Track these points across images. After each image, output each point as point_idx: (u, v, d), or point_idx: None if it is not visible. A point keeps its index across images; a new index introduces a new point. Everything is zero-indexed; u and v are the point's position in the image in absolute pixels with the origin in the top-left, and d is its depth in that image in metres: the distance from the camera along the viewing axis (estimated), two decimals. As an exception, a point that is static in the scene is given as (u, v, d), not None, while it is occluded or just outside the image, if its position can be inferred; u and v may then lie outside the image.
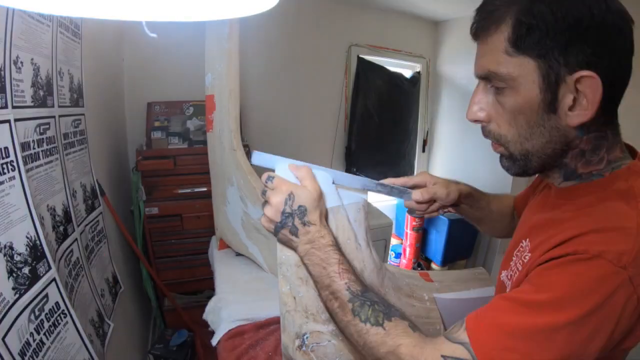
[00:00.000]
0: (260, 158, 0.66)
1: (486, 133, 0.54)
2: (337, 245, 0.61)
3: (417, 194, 0.76)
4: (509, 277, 0.58)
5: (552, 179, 0.56)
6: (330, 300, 0.58)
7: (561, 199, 0.54)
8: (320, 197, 0.63)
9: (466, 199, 0.82)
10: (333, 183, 0.69)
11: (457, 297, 0.86)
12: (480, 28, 0.49)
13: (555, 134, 0.48)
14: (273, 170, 0.66)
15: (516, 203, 0.85)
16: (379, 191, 0.74)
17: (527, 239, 0.55)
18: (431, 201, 0.78)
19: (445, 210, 0.85)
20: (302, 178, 0.63)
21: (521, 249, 0.56)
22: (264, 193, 0.63)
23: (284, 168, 0.65)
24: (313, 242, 0.60)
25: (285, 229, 0.61)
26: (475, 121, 0.54)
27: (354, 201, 0.70)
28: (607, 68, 0.43)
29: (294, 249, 0.63)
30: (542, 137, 0.48)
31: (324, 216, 0.64)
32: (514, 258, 0.58)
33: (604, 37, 0.42)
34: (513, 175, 0.57)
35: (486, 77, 0.50)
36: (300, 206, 0.60)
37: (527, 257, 0.53)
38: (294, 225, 0.60)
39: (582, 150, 0.50)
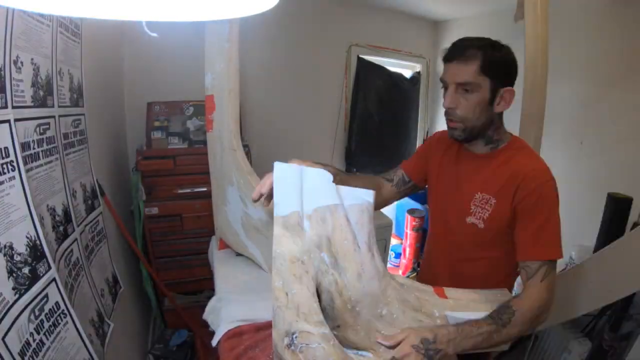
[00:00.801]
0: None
1: (451, 115, 0.89)
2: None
3: None
4: (479, 218, 0.90)
5: (475, 147, 0.94)
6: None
7: (484, 161, 0.92)
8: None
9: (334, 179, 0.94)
10: (333, 182, 0.69)
11: (473, 318, 0.77)
12: (458, 57, 0.84)
13: (489, 116, 0.88)
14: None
15: (409, 170, 1.12)
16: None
17: (480, 192, 0.90)
18: None
19: None
20: None
21: (480, 198, 0.90)
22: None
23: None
24: (454, 339, 0.74)
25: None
26: (449, 108, 0.88)
27: (357, 202, 0.69)
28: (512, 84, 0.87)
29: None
30: (484, 117, 0.87)
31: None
32: (472, 207, 0.91)
33: (514, 70, 0.87)
34: (461, 141, 0.92)
35: (462, 84, 0.84)
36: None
37: (493, 202, 0.88)
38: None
39: (497, 126, 0.91)
